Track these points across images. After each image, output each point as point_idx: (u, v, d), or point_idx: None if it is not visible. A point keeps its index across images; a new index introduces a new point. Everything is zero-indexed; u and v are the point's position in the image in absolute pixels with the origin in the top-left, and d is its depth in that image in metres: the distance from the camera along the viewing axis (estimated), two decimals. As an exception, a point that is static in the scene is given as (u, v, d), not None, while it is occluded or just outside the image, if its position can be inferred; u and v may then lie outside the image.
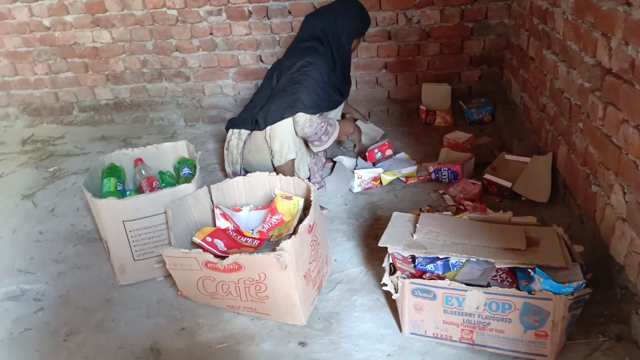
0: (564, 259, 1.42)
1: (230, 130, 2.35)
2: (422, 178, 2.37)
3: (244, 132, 2.29)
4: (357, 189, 2.34)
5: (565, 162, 1.98)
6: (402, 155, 2.53)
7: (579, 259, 1.47)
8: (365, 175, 2.33)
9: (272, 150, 2.22)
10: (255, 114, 2.25)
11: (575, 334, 1.45)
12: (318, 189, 2.39)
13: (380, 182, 2.36)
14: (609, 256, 1.57)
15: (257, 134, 2.25)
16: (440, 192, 2.26)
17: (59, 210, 2.47)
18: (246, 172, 2.29)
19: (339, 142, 2.77)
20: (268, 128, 2.18)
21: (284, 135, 2.18)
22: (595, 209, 1.68)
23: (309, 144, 2.29)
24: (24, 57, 3.44)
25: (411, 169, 2.39)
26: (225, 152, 2.37)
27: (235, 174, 2.33)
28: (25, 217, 2.44)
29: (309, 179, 2.41)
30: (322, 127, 2.21)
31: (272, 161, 2.25)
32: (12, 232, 2.31)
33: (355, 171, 2.35)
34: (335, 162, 2.57)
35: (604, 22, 1.57)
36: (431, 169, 2.34)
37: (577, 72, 1.82)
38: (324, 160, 2.53)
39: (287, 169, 2.23)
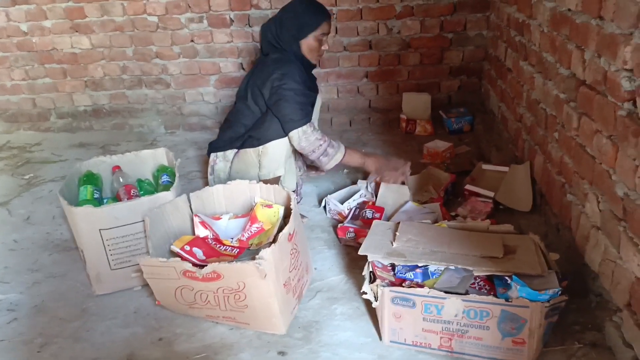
0: (540, 266, 1.45)
1: (214, 154, 2.26)
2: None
3: (230, 153, 2.22)
4: (327, 214, 2.25)
5: (541, 172, 2.02)
6: (410, 205, 2.09)
7: (555, 267, 1.49)
8: (332, 205, 2.21)
9: (260, 164, 2.17)
10: (246, 133, 2.18)
11: (552, 341, 1.47)
12: (298, 202, 2.38)
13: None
14: (584, 264, 1.60)
15: (248, 150, 2.17)
16: (452, 214, 2.10)
17: (35, 219, 2.42)
18: None
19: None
20: (261, 146, 2.14)
21: (277, 153, 2.15)
22: (571, 218, 1.71)
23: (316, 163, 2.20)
24: (0, 62, 3.38)
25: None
26: (210, 177, 2.27)
27: None
28: (0, 225, 2.38)
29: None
30: (321, 145, 2.11)
31: (258, 174, 2.20)
32: (-15, 241, 2.26)
33: (328, 197, 2.25)
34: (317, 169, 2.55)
35: (578, 35, 1.61)
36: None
37: (553, 83, 1.86)
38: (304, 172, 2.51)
39: (271, 183, 2.18)
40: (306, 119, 2.11)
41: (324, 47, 2.24)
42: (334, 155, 2.14)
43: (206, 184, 2.41)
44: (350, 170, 2.66)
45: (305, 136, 2.09)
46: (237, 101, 2.29)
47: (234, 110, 2.29)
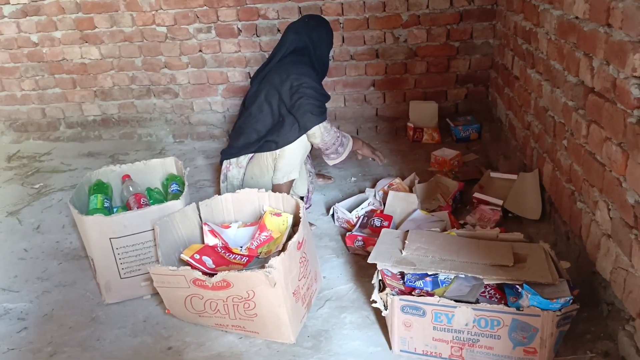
0: (551, 275, 1.44)
1: (227, 162, 2.26)
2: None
3: (243, 159, 2.22)
4: (336, 223, 2.26)
5: (550, 180, 2.01)
6: (418, 213, 2.09)
7: (566, 276, 1.48)
8: (340, 213, 2.21)
9: (275, 167, 2.17)
10: (262, 138, 2.17)
11: (563, 350, 1.46)
12: (308, 208, 2.38)
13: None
14: (594, 273, 1.59)
15: (264, 154, 2.17)
16: (461, 222, 2.10)
17: (44, 227, 2.44)
18: None
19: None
20: (279, 149, 2.14)
21: (294, 156, 2.15)
22: (581, 226, 1.70)
23: (325, 158, 2.26)
24: (11, 72, 3.43)
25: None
26: (223, 184, 2.26)
27: None
28: (10, 234, 2.40)
29: (302, 198, 2.37)
30: (338, 137, 2.19)
31: (272, 177, 2.19)
32: (-5, 250, 2.28)
33: (336, 205, 2.25)
34: (324, 177, 2.58)
35: (586, 43, 1.61)
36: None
37: (561, 90, 1.86)
38: (313, 176, 2.52)
39: (285, 188, 2.18)
40: (325, 115, 2.16)
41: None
42: (347, 144, 2.25)
43: (217, 192, 2.42)
44: (358, 178, 2.66)
45: (326, 131, 2.14)
46: (247, 108, 2.25)
47: (244, 117, 2.26)
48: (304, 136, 2.14)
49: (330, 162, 2.27)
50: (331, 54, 2.43)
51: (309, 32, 2.27)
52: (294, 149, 2.14)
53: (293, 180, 2.22)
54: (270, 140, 2.15)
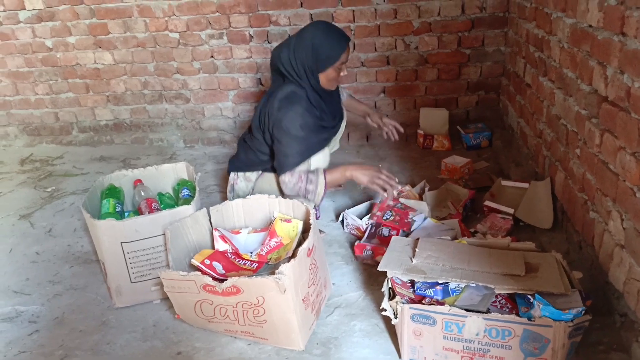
0: (564, 285, 1.42)
1: (234, 174, 2.23)
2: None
3: (252, 174, 2.19)
4: (345, 229, 2.25)
5: (563, 188, 1.99)
6: (429, 221, 2.08)
7: (578, 286, 1.47)
8: (350, 220, 2.20)
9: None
10: (266, 162, 2.15)
11: (575, 361, 1.45)
12: (318, 217, 2.36)
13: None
14: (607, 283, 1.57)
15: (273, 174, 2.14)
16: (472, 230, 2.08)
17: (56, 231, 2.46)
18: None
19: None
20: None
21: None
22: (594, 236, 1.69)
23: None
24: (25, 77, 3.47)
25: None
26: (230, 195, 2.25)
27: None
28: (22, 237, 2.42)
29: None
30: (301, 188, 2.02)
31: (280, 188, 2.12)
32: (8, 253, 2.30)
33: (345, 212, 2.23)
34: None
35: (600, 51, 1.60)
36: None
37: (574, 99, 1.85)
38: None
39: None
40: (286, 168, 2.01)
41: (343, 73, 2.10)
42: (316, 190, 2.03)
43: (224, 198, 2.42)
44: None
45: (284, 186, 2.03)
46: (253, 128, 2.18)
47: (250, 135, 2.20)
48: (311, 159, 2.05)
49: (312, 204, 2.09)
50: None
51: (295, 50, 2.03)
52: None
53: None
54: (275, 166, 2.10)
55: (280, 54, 2.06)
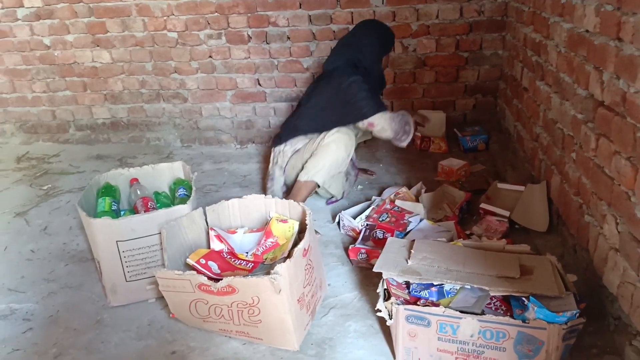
0: (558, 288, 1.43)
1: (277, 148, 2.42)
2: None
3: (290, 149, 2.35)
4: (341, 230, 2.25)
5: (558, 192, 2.00)
6: (425, 223, 2.09)
7: (573, 289, 1.48)
8: (346, 221, 2.20)
9: (306, 162, 2.26)
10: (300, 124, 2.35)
11: (569, 364, 1.45)
12: (334, 201, 2.49)
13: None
14: (602, 286, 1.58)
15: (311, 144, 2.29)
16: (467, 232, 2.08)
17: (52, 229, 2.45)
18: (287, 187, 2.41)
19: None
20: (326, 137, 2.23)
21: (328, 155, 2.22)
22: (588, 239, 1.69)
23: (395, 142, 2.29)
24: (22, 74, 3.46)
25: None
26: (273, 171, 2.41)
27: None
28: (18, 235, 2.42)
29: (332, 197, 2.49)
30: (402, 119, 2.24)
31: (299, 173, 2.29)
32: (3, 250, 2.29)
33: (342, 213, 2.25)
34: (366, 172, 2.73)
35: (596, 56, 1.61)
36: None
37: (570, 103, 1.86)
38: (355, 175, 2.62)
39: (303, 189, 2.25)
40: (381, 106, 2.24)
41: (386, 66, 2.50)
42: (410, 119, 2.28)
43: (221, 198, 2.42)
44: (364, 186, 2.66)
45: (390, 120, 2.22)
46: (299, 106, 2.45)
47: (296, 113, 2.44)
48: (345, 140, 2.22)
49: (402, 144, 2.29)
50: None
51: (356, 47, 2.35)
52: (332, 149, 2.21)
53: (315, 186, 2.26)
54: (309, 125, 2.31)
55: (344, 51, 2.35)
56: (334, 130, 2.24)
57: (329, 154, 2.22)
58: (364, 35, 2.38)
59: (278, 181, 2.39)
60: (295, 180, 2.30)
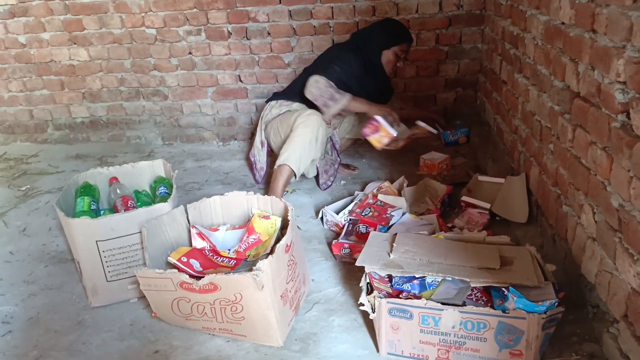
0: (537, 278, 1.45)
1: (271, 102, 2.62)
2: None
3: (275, 109, 2.55)
4: (325, 226, 2.26)
5: (537, 183, 2.03)
6: (407, 216, 2.11)
7: (552, 278, 1.50)
8: (329, 217, 2.21)
9: (281, 149, 2.37)
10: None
11: (549, 353, 1.47)
12: (325, 189, 2.57)
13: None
14: (580, 275, 1.60)
15: (288, 116, 2.44)
16: (449, 225, 2.10)
17: (31, 230, 2.41)
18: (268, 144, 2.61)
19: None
20: (296, 120, 2.35)
21: (298, 137, 2.33)
22: (567, 229, 1.72)
23: (320, 109, 2.40)
24: (-2, 74, 3.40)
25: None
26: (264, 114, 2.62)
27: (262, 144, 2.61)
28: (-5, 236, 2.38)
29: (316, 177, 2.58)
30: (331, 93, 2.34)
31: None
32: (-20, 253, 2.25)
33: (325, 208, 2.26)
34: (349, 167, 2.78)
35: (572, 48, 1.63)
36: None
37: (548, 95, 1.88)
38: (337, 163, 2.67)
39: (279, 176, 2.33)
40: (324, 73, 2.36)
41: (399, 63, 2.60)
42: (342, 99, 2.35)
43: (203, 195, 2.41)
44: (347, 181, 2.67)
45: (316, 84, 2.34)
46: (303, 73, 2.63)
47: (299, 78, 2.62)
48: (312, 122, 2.33)
49: (324, 116, 2.40)
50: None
51: (372, 29, 2.58)
52: (299, 131, 2.33)
53: (290, 172, 2.33)
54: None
55: (361, 31, 2.64)
56: (305, 113, 2.38)
57: (297, 135, 2.33)
58: (375, 25, 2.60)
59: (259, 135, 2.63)
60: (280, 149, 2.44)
